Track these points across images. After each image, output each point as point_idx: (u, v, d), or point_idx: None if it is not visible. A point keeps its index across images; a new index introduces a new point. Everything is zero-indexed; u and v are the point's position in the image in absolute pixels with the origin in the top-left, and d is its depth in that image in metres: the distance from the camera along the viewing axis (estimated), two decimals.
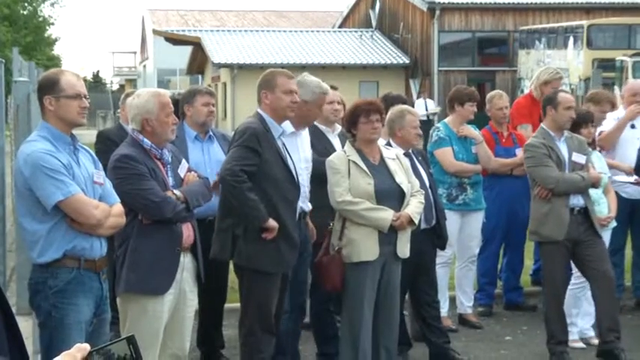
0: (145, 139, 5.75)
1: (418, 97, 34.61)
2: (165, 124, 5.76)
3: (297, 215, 6.59)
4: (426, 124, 20.15)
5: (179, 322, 5.86)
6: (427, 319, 7.61)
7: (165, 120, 5.75)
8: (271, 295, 6.42)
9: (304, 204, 6.77)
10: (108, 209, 5.21)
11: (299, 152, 6.82)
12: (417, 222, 6.78)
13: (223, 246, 6.40)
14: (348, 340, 6.72)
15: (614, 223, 8.32)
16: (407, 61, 41.53)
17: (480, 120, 9.15)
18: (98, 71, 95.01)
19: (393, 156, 6.92)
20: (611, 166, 8.68)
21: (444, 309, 8.45)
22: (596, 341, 7.78)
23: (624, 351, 7.46)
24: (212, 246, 6.45)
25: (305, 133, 7.01)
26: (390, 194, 6.68)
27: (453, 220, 8.37)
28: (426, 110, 32.25)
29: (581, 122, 7.91)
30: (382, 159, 6.81)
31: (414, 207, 6.75)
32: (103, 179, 5.31)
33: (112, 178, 5.51)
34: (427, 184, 7.42)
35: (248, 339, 6.47)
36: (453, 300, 8.87)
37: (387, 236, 6.62)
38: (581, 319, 8.07)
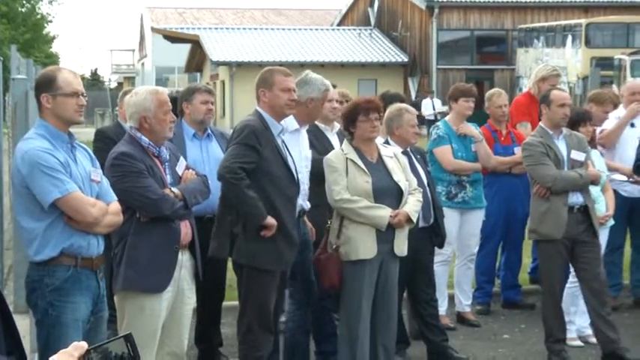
0: (143, 137, 5.74)
1: (425, 97, 34.67)
2: (163, 122, 5.74)
3: (297, 213, 6.59)
4: (434, 124, 20.16)
5: (177, 320, 5.85)
6: (425, 317, 7.60)
7: (163, 118, 5.74)
8: (270, 293, 6.42)
9: (304, 202, 6.77)
10: (105, 207, 5.19)
11: (300, 150, 6.83)
12: (414, 220, 6.77)
13: (222, 244, 6.40)
14: (346, 338, 6.71)
15: (611, 222, 8.33)
16: (405, 60, 41.57)
17: (480, 118, 9.15)
18: (96, 69, 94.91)
19: (391, 154, 6.91)
20: (611, 168, 8.69)
21: (443, 307, 8.45)
22: (594, 340, 7.77)
23: (628, 350, 7.45)
24: (210, 244, 6.45)
25: (304, 131, 7.02)
26: (388, 192, 6.67)
27: (452, 218, 8.37)
28: (434, 110, 32.33)
29: (579, 121, 7.92)
30: (380, 157, 6.80)
31: (412, 205, 6.74)
32: (100, 177, 5.30)
33: (109, 176, 5.50)
34: (425, 182, 7.42)
35: (246, 337, 6.46)
36: (451, 298, 8.86)
37: (385, 234, 6.61)
38: (579, 317, 8.07)
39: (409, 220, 6.69)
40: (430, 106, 32.73)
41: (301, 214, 6.78)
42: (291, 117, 6.73)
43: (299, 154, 6.76)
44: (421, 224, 7.24)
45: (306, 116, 6.90)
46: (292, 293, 7.02)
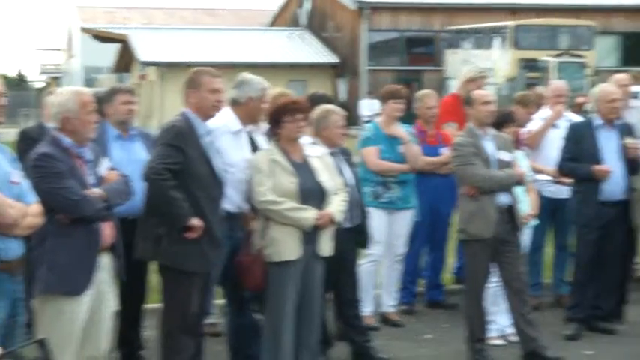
0: (65, 138, 5.69)
1: (364, 98, 34.74)
2: (86, 123, 5.72)
3: (224, 214, 6.56)
4: None
5: (97, 323, 5.79)
6: (348, 317, 7.63)
7: (86, 118, 5.72)
8: (193, 295, 6.39)
9: (243, 204, 6.76)
10: (25, 209, 5.12)
11: (242, 151, 6.84)
12: (339, 221, 6.79)
13: (147, 245, 6.36)
14: (270, 339, 6.71)
15: (535, 222, 8.45)
16: (336, 60, 41.65)
17: (410, 119, 9.22)
18: (22, 69, 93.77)
19: (317, 155, 6.93)
20: (535, 169, 8.80)
21: (369, 307, 8.48)
22: (515, 338, 7.86)
23: (547, 348, 7.56)
24: (136, 245, 6.40)
25: (245, 133, 7.02)
26: (314, 193, 6.68)
27: (379, 219, 8.46)
28: (372, 110, 32.40)
29: (503, 122, 8.02)
30: (306, 158, 6.81)
31: (337, 205, 6.77)
32: (21, 178, 5.22)
33: (30, 177, 5.42)
34: (351, 182, 7.43)
35: (168, 340, 6.43)
36: (376, 298, 8.86)
37: (310, 235, 6.63)
38: (501, 316, 8.14)
39: (334, 220, 6.69)
40: (369, 106, 32.79)
41: (238, 216, 6.78)
42: (234, 118, 6.83)
43: (242, 155, 6.77)
44: (347, 225, 7.26)
45: (246, 117, 6.94)
46: (228, 295, 6.98)
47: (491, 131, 7.70)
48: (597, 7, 39.44)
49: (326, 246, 6.75)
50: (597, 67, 31.24)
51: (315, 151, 6.98)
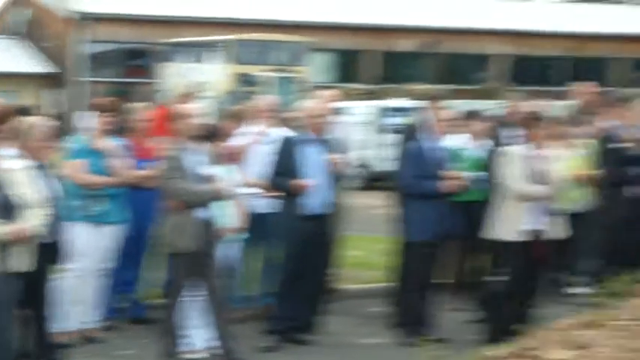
0: None
1: (81, 110, 33.95)
2: None
3: None
4: None
5: None
6: (38, 335, 7.39)
7: None
8: None
9: None
10: None
11: None
12: (35, 235, 6.62)
13: None
14: None
15: (242, 235, 8.55)
16: (52, 71, 40.76)
17: (123, 132, 9.14)
18: None
19: (16, 167, 6.74)
20: (245, 184, 8.91)
21: (68, 323, 8.26)
22: (213, 351, 7.93)
23: None
24: None
25: None
26: (8, 206, 6.46)
27: (84, 232, 8.35)
28: (91, 123, 31.70)
29: (210, 136, 8.12)
30: (3, 170, 6.58)
31: (35, 219, 6.59)
32: None
33: None
34: (52, 196, 7.24)
35: None
36: (78, 314, 8.61)
37: (1, 251, 6.40)
38: (200, 329, 8.13)
39: (30, 235, 6.51)
40: (88, 119, 32.16)
41: None
42: None
43: None
44: (44, 240, 7.02)
45: None
46: None
47: (198, 145, 7.77)
48: (316, 24, 40.55)
49: (19, 261, 6.54)
50: (312, 83, 32.02)
51: (15, 164, 6.78)
